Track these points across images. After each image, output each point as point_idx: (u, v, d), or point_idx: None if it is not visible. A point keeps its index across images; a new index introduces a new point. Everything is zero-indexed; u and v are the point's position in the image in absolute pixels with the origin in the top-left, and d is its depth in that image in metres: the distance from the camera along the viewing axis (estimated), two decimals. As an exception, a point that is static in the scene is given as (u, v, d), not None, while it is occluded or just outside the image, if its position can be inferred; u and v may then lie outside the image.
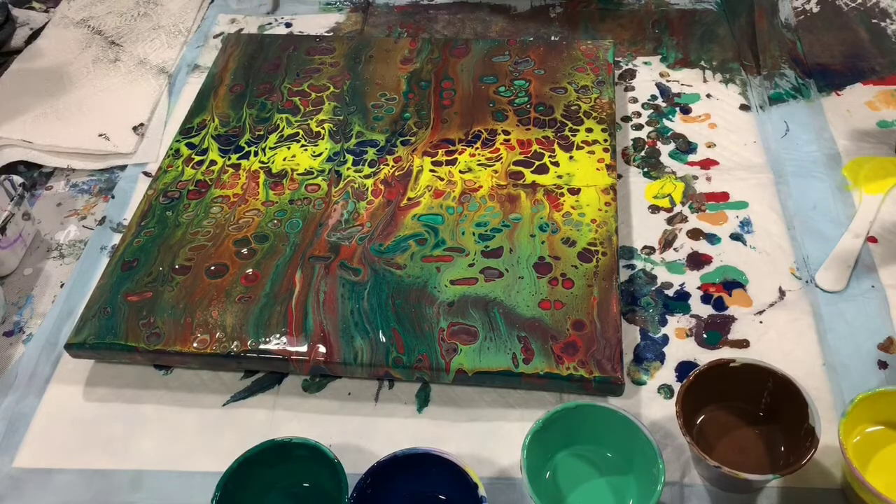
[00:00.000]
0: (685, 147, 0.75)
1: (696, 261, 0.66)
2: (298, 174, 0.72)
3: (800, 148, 0.73)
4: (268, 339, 0.59)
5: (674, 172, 0.73)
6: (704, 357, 0.59)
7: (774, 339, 0.60)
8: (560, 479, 0.52)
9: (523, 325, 0.59)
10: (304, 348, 0.59)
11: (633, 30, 0.89)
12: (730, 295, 0.63)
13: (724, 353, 0.59)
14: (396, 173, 0.71)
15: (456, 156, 0.72)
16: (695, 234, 0.68)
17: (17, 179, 0.71)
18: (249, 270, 0.64)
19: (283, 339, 0.59)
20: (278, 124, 0.77)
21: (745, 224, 0.68)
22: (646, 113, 0.79)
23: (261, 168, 0.73)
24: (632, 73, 0.83)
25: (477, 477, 0.48)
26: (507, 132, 0.74)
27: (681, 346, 0.60)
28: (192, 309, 0.61)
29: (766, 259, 0.65)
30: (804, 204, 0.69)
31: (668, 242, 0.67)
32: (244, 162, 0.73)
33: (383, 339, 0.59)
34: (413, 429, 0.57)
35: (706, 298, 0.63)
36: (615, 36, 0.88)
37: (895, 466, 0.51)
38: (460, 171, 0.71)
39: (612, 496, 0.51)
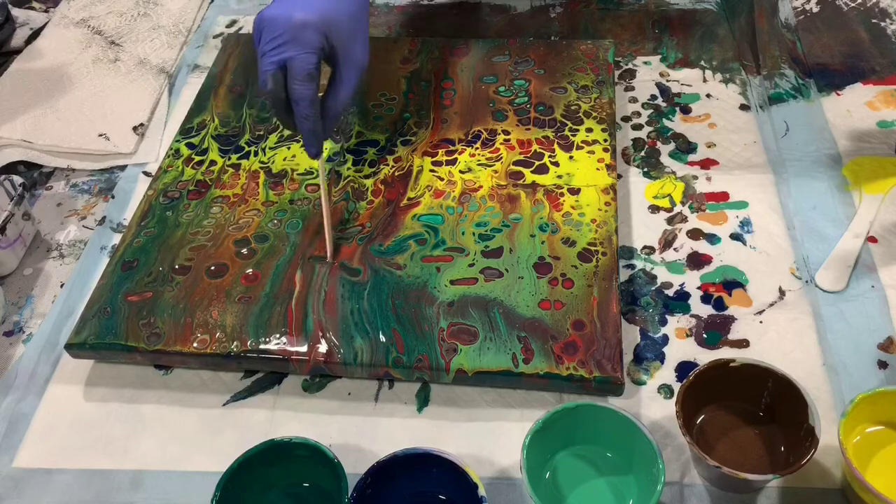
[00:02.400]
0: (685, 147, 0.75)
1: (696, 261, 0.66)
2: (298, 174, 0.72)
3: (800, 148, 0.73)
4: (268, 339, 0.59)
5: (674, 172, 0.73)
6: (704, 357, 0.59)
7: (774, 339, 0.60)
8: (560, 479, 0.52)
9: (523, 325, 0.59)
10: (304, 348, 0.59)
11: (633, 30, 0.89)
12: (730, 295, 0.63)
13: (724, 353, 0.59)
14: (396, 173, 0.71)
15: (456, 156, 0.72)
16: (695, 234, 0.68)
17: (17, 179, 0.71)
18: (249, 270, 0.64)
19: (283, 339, 0.59)
20: (278, 124, 0.77)
21: (745, 224, 0.68)
22: (646, 113, 0.79)
23: (261, 168, 0.73)
24: (632, 73, 0.83)
25: (477, 477, 0.48)
26: (507, 132, 0.74)
27: (681, 346, 0.60)
28: (192, 309, 0.61)
29: (766, 259, 0.65)
30: (804, 204, 0.69)
31: (668, 242, 0.67)
32: (244, 162, 0.73)
33: (383, 339, 0.59)
34: (413, 429, 0.57)
35: (706, 298, 0.63)
36: (615, 36, 0.88)
37: (895, 466, 0.51)
38: (460, 171, 0.71)
39: (612, 496, 0.51)
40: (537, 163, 0.71)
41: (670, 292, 0.64)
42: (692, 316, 0.62)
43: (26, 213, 0.71)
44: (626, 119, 0.78)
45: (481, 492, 0.47)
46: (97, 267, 0.69)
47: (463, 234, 0.65)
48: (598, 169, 0.70)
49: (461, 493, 0.49)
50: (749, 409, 0.54)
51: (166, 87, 0.87)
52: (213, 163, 0.74)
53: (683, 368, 0.59)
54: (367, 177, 0.71)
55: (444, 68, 0.81)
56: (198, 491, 0.54)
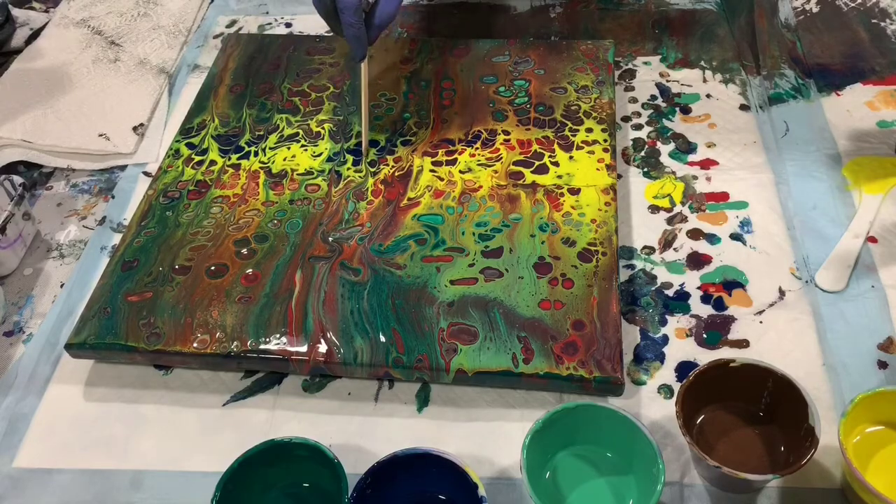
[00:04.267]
0: (685, 147, 0.75)
1: (696, 261, 0.66)
2: (298, 174, 0.72)
3: (800, 148, 0.73)
4: (268, 339, 0.59)
5: (674, 172, 0.73)
6: (704, 357, 0.59)
7: (774, 339, 0.60)
8: (560, 479, 0.52)
9: (523, 325, 0.59)
10: (304, 348, 0.59)
11: (633, 30, 0.89)
12: (730, 295, 0.63)
13: (724, 353, 0.59)
14: (396, 173, 0.71)
15: (456, 156, 0.72)
16: (695, 234, 0.68)
17: (17, 179, 0.71)
18: (249, 270, 0.64)
19: (283, 339, 0.59)
20: (278, 124, 0.77)
21: (745, 224, 0.68)
22: (646, 113, 0.79)
23: (261, 168, 0.73)
24: (632, 73, 0.83)
25: (477, 477, 0.48)
26: (506, 132, 0.74)
27: (681, 346, 0.60)
28: (192, 309, 0.61)
29: (766, 259, 0.65)
30: (804, 204, 0.69)
31: (667, 242, 0.67)
32: (244, 162, 0.73)
33: (383, 339, 0.59)
34: (413, 429, 0.57)
35: (706, 298, 0.63)
36: (615, 36, 0.88)
37: (895, 466, 0.51)
38: (460, 171, 0.71)
39: (612, 496, 0.51)
40: (537, 163, 0.71)
41: (670, 292, 0.64)
42: (692, 316, 0.62)
43: (26, 213, 0.71)
44: (626, 119, 0.78)
45: (481, 492, 0.47)
46: (97, 267, 0.69)
47: (463, 234, 0.65)
48: (598, 169, 0.70)
49: (461, 493, 0.49)
50: (749, 409, 0.54)
51: (166, 87, 0.87)
52: (213, 163, 0.74)
53: (683, 368, 0.59)
54: (366, 177, 0.71)
55: (444, 68, 0.81)
56: (198, 491, 0.54)
